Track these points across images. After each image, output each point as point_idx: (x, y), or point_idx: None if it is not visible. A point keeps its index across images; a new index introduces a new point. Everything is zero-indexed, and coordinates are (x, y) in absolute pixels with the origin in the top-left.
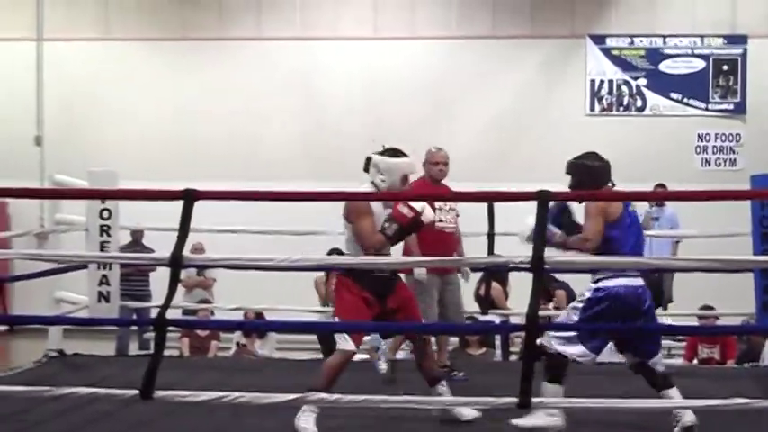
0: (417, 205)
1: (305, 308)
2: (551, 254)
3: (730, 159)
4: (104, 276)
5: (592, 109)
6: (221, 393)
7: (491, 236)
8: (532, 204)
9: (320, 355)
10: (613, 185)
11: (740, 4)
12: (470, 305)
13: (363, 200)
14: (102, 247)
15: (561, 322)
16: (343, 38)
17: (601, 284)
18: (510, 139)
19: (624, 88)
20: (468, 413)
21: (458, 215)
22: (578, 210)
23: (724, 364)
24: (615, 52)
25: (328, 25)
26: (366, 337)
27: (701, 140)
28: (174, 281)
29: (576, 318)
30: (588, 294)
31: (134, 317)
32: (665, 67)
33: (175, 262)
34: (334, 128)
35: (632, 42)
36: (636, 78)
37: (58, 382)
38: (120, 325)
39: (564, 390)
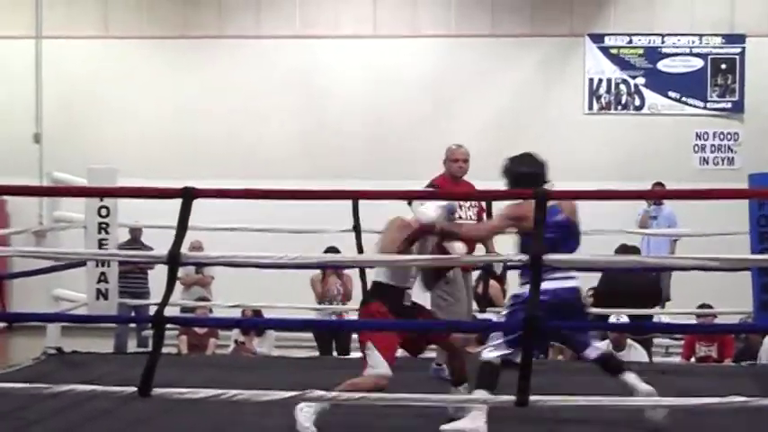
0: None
1: (302, 305)
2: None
3: (728, 158)
4: (103, 274)
5: (590, 107)
6: (219, 391)
7: None
8: None
9: (316, 353)
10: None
11: (738, 3)
12: None
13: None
14: (101, 244)
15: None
16: (342, 36)
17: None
18: (509, 138)
19: (622, 87)
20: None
21: (483, 210)
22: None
23: (722, 363)
24: (614, 51)
25: (328, 23)
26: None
27: (700, 139)
28: (172, 278)
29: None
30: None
31: (132, 314)
32: (663, 65)
33: (173, 260)
34: (333, 126)
35: (631, 41)
36: (634, 77)
37: (56, 379)
38: (118, 322)
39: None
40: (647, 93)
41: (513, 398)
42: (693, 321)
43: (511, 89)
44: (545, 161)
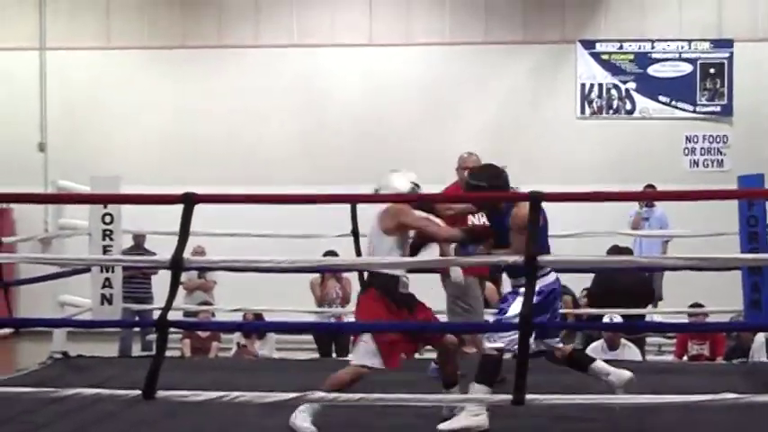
0: None
1: (302, 309)
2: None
3: (718, 160)
4: (107, 279)
5: (582, 112)
6: (222, 393)
7: None
8: None
9: (317, 355)
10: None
11: (726, 9)
12: None
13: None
14: (105, 250)
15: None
16: (339, 45)
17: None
18: (503, 142)
19: (614, 92)
20: None
21: None
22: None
23: (713, 361)
24: (605, 57)
25: (325, 33)
26: None
27: (689, 142)
28: (175, 283)
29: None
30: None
31: (136, 319)
32: (653, 70)
33: (176, 264)
34: (331, 132)
35: (621, 47)
36: (625, 82)
37: (62, 383)
38: (122, 327)
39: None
40: (637, 97)
41: (509, 397)
42: (685, 320)
43: (504, 95)
44: (505, 171)
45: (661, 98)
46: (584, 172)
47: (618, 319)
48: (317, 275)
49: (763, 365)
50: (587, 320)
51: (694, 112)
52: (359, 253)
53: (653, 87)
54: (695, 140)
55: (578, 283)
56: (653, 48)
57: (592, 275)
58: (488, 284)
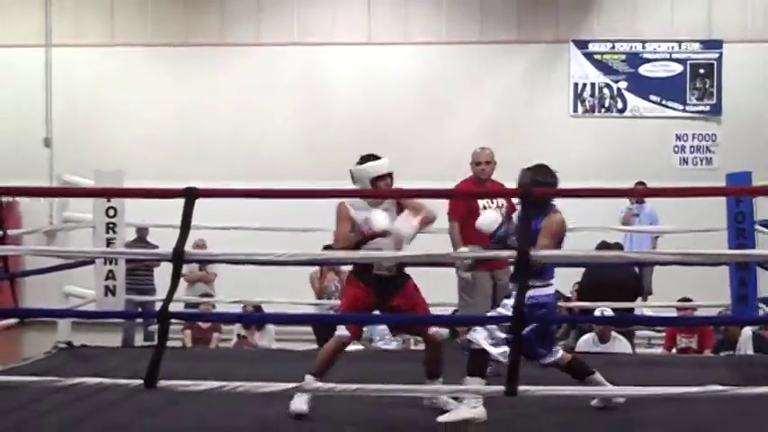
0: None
1: (301, 301)
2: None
3: (706, 158)
4: (111, 271)
5: (575, 110)
6: (222, 383)
7: None
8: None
9: (316, 346)
10: None
11: (716, 10)
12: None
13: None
14: (109, 243)
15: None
16: (338, 43)
17: (533, 293)
18: (498, 139)
19: (606, 91)
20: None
21: (514, 208)
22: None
23: (701, 354)
24: (597, 57)
25: (325, 31)
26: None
27: (679, 140)
28: (177, 275)
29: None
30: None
31: (139, 310)
32: (644, 70)
33: (177, 257)
34: (332, 129)
35: (613, 47)
36: (617, 81)
37: (66, 372)
38: (125, 318)
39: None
40: (629, 96)
41: (502, 388)
42: (674, 314)
43: (499, 93)
44: (557, 172)
45: (652, 97)
46: (576, 169)
47: (609, 313)
48: (316, 269)
49: (750, 358)
50: (579, 313)
51: (684, 111)
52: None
53: (644, 87)
54: (685, 139)
55: (569, 278)
56: (644, 48)
57: (582, 270)
58: None
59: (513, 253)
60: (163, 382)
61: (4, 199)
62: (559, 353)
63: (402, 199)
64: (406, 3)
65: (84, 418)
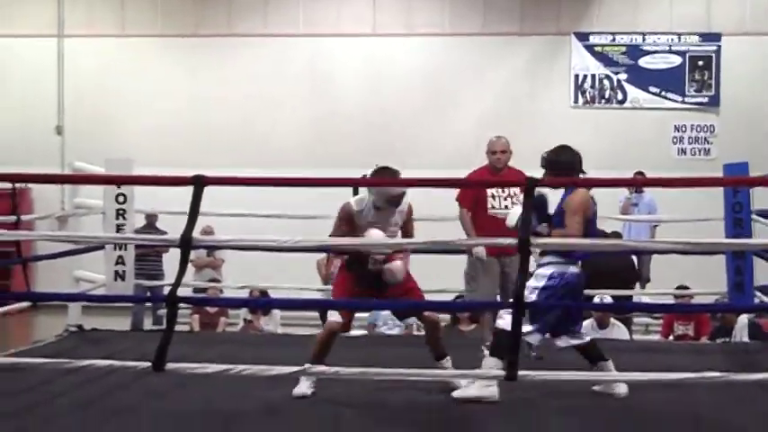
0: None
1: (306, 287)
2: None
3: (704, 149)
4: (120, 257)
5: (576, 101)
6: (229, 366)
7: None
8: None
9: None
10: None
11: (714, 4)
12: (461, 284)
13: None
14: (119, 229)
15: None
16: (344, 34)
17: (554, 270)
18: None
19: (606, 82)
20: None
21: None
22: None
23: (698, 341)
24: (598, 49)
25: (330, 23)
26: (365, 314)
27: (678, 131)
28: (185, 261)
29: (534, 298)
30: (544, 282)
31: (148, 294)
32: (644, 62)
33: (186, 243)
34: (337, 118)
35: (614, 39)
36: (617, 73)
37: (77, 355)
38: (134, 302)
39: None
40: (629, 88)
41: (502, 372)
42: (672, 302)
43: (502, 84)
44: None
45: (651, 89)
46: None
47: (608, 300)
48: (323, 256)
49: (745, 345)
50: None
51: (683, 102)
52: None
53: (643, 78)
54: (683, 130)
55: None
56: (644, 41)
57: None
58: None
59: (514, 241)
60: (171, 365)
61: (18, 185)
62: (587, 337)
63: (408, 216)
64: None
65: (93, 399)
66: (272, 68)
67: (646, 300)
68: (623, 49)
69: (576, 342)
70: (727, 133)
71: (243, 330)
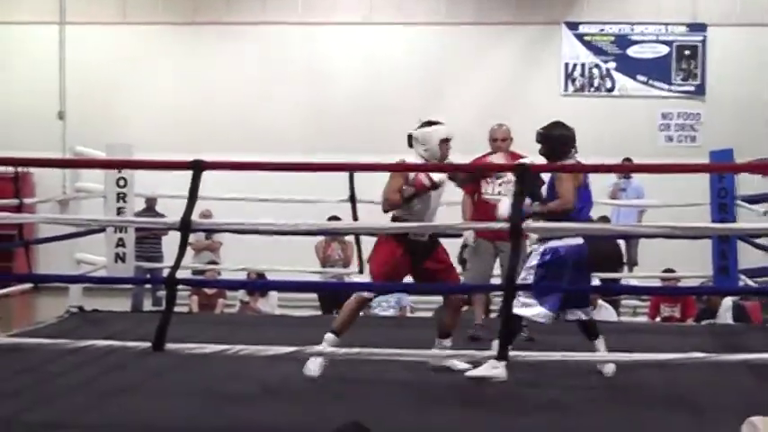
0: (436, 176)
1: (303, 269)
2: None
3: (691, 136)
4: (121, 239)
5: (566, 89)
6: (227, 346)
7: None
8: None
9: (318, 312)
10: (576, 151)
11: None
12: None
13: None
14: (119, 212)
15: (529, 283)
16: (340, 23)
17: (548, 245)
18: (492, 116)
19: (595, 71)
20: (461, 365)
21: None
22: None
23: (684, 322)
24: (587, 38)
25: (327, 11)
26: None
27: (665, 119)
28: (184, 244)
29: (532, 279)
30: (537, 260)
31: (148, 276)
32: (632, 51)
33: (185, 226)
34: (333, 104)
35: (603, 29)
36: (606, 62)
37: (78, 335)
38: (134, 284)
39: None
40: (617, 76)
41: (494, 353)
42: (659, 284)
43: (494, 72)
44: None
45: (639, 77)
46: None
47: (596, 282)
48: (321, 239)
49: (730, 327)
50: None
51: (670, 90)
52: (355, 217)
53: (632, 67)
54: (670, 117)
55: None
56: (632, 30)
57: None
58: None
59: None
60: (170, 345)
61: (20, 170)
62: (591, 313)
63: None
64: None
65: (94, 379)
66: (270, 55)
67: (633, 282)
68: (612, 38)
69: (584, 317)
70: (713, 121)
71: (240, 311)
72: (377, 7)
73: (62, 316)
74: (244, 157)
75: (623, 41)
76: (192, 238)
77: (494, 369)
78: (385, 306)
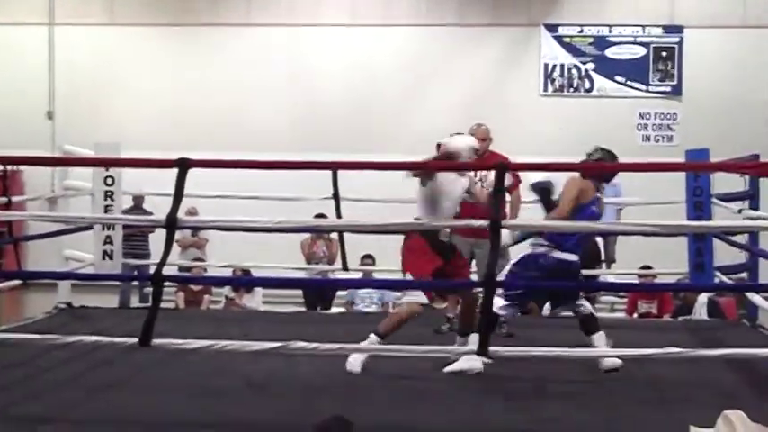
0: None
1: (287, 266)
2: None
3: (668, 136)
4: (108, 237)
5: (545, 90)
6: (212, 342)
7: None
8: None
9: (302, 308)
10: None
11: None
12: None
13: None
14: (107, 210)
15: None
16: (324, 24)
17: (536, 251)
18: (474, 116)
19: (574, 71)
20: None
21: (520, 180)
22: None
23: (661, 318)
24: (566, 39)
25: (311, 13)
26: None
27: (642, 119)
28: (170, 241)
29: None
30: (513, 263)
31: (135, 273)
32: (610, 53)
33: (171, 224)
34: (318, 105)
35: (581, 30)
36: (585, 63)
37: (66, 331)
38: (122, 280)
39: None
40: (596, 77)
41: (474, 348)
42: (636, 281)
43: (475, 73)
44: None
45: (617, 78)
46: (546, 144)
47: None
48: (307, 236)
49: (705, 323)
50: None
51: (647, 91)
52: (339, 215)
53: (610, 68)
54: (647, 117)
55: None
56: (610, 32)
57: None
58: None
59: (485, 223)
60: (156, 341)
61: (9, 168)
62: (588, 308)
63: None
64: None
65: (82, 374)
66: (256, 56)
67: (611, 279)
68: (591, 39)
69: (574, 311)
70: (689, 121)
71: (226, 307)
72: (359, 9)
73: (50, 312)
74: (229, 156)
75: (601, 43)
76: (178, 235)
77: (470, 361)
78: (368, 302)
